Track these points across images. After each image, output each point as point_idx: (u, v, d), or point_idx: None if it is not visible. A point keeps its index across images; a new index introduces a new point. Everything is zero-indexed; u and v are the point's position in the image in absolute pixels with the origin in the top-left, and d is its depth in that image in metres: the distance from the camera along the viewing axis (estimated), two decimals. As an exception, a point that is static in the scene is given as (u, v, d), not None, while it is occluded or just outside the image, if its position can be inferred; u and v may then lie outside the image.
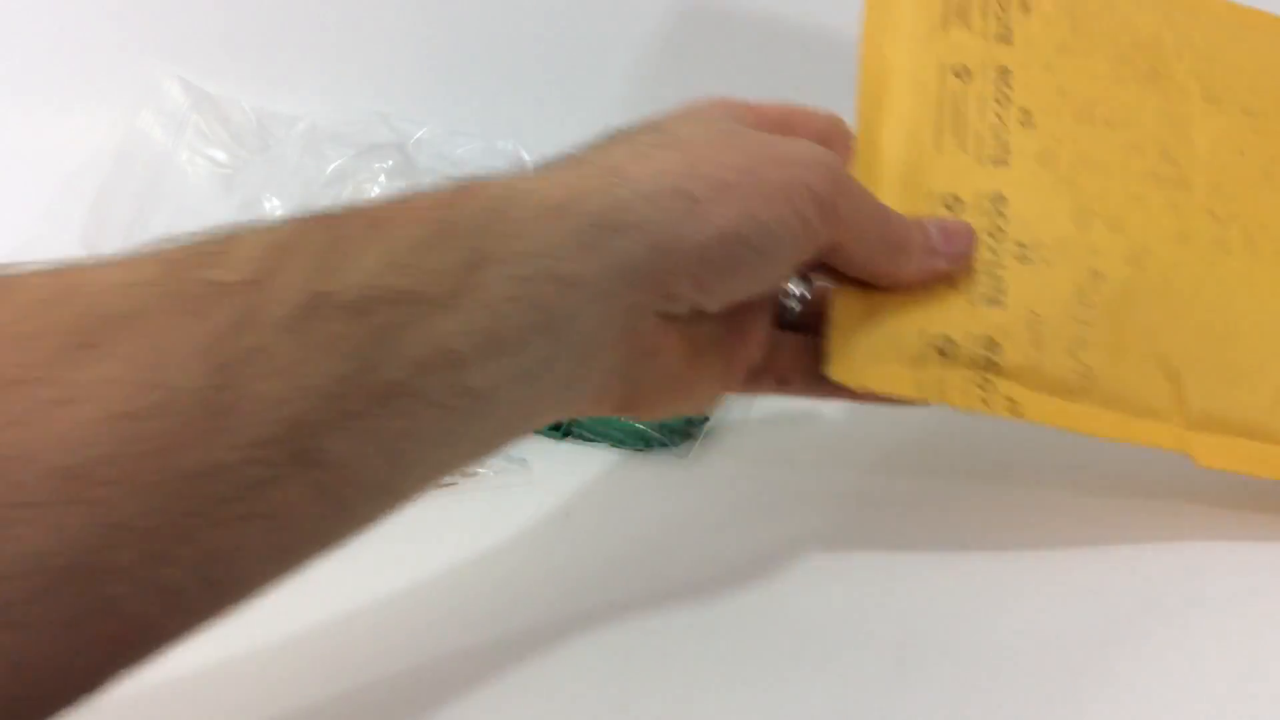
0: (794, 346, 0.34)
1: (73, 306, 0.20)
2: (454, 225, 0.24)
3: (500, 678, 0.30)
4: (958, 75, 0.36)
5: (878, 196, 0.32)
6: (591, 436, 0.43)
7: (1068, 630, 0.30)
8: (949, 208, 0.34)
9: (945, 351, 0.32)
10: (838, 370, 0.32)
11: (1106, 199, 0.35)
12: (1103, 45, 0.38)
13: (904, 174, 0.34)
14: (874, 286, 0.32)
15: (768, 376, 0.34)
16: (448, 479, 0.39)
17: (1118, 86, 0.37)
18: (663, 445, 0.42)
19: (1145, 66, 0.38)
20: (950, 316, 0.32)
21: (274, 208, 0.50)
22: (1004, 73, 0.36)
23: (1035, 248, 0.34)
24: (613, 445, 0.42)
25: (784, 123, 0.33)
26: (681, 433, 0.42)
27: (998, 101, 0.36)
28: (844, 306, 0.32)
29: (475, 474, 0.40)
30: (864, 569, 0.35)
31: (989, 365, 0.32)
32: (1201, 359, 0.34)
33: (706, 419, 0.43)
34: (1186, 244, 0.35)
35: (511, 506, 0.39)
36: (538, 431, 0.44)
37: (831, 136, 0.34)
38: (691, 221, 0.26)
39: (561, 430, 0.43)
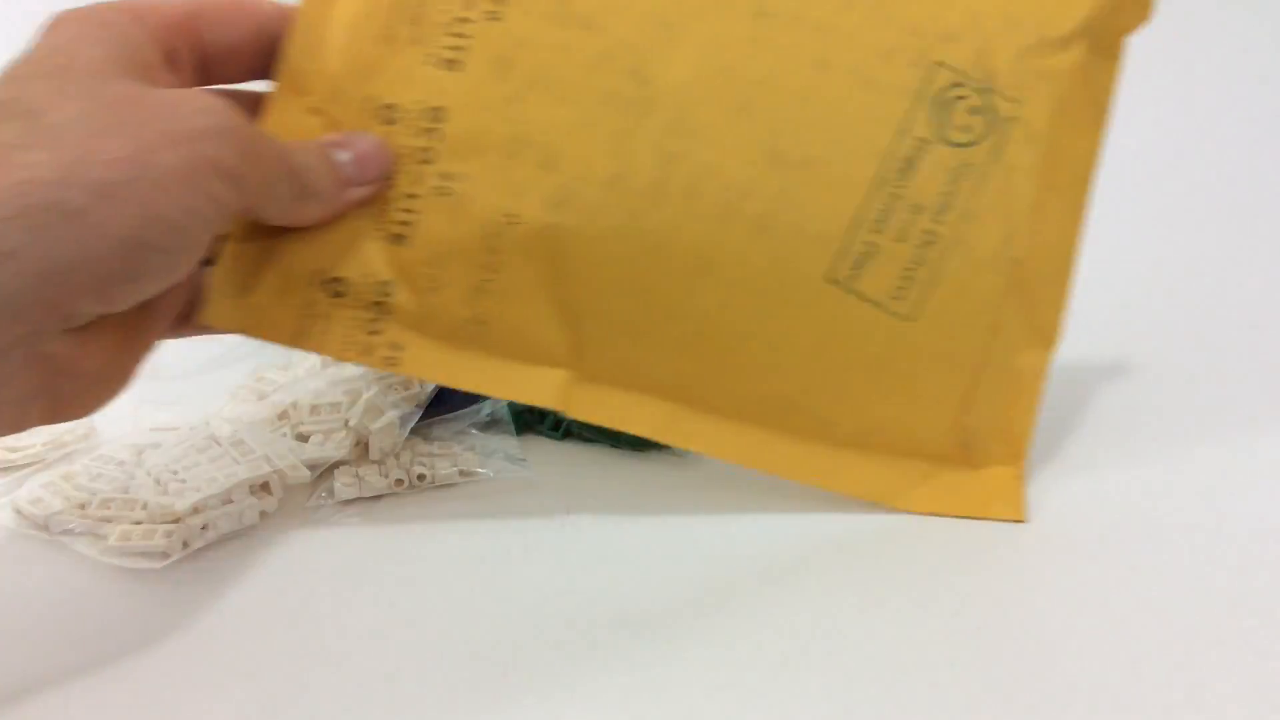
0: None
1: None
2: None
3: (500, 678, 0.30)
4: None
5: (307, 103, 0.29)
6: (591, 436, 0.43)
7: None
8: (387, 122, 0.30)
9: (339, 293, 0.30)
10: (213, 313, 0.29)
11: (549, 127, 0.31)
12: None
13: (341, 75, 0.30)
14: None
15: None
16: (446, 480, 0.39)
17: None
18: (663, 445, 0.42)
19: None
20: (348, 255, 0.30)
21: None
22: None
23: (458, 179, 0.30)
24: (612, 445, 0.42)
25: (193, 26, 0.29)
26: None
27: None
28: (236, 247, 0.30)
29: (475, 474, 0.40)
30: (864, 568, 0.35)
31: (381, 309, 0.30)
32: (608, 310, 0.32)
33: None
34: (616, 189, 0.31)
35: (511, 506, 0.39)
36: (537, 431, 0.44)
37: (266, 28, 0.30)
38: (77, 238, 0.23)
39: (561, 430, 0.43)
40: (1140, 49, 0.36)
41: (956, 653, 0.30)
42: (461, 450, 0.41)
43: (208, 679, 0.30)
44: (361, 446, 0.40)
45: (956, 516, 0.35)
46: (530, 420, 0.44)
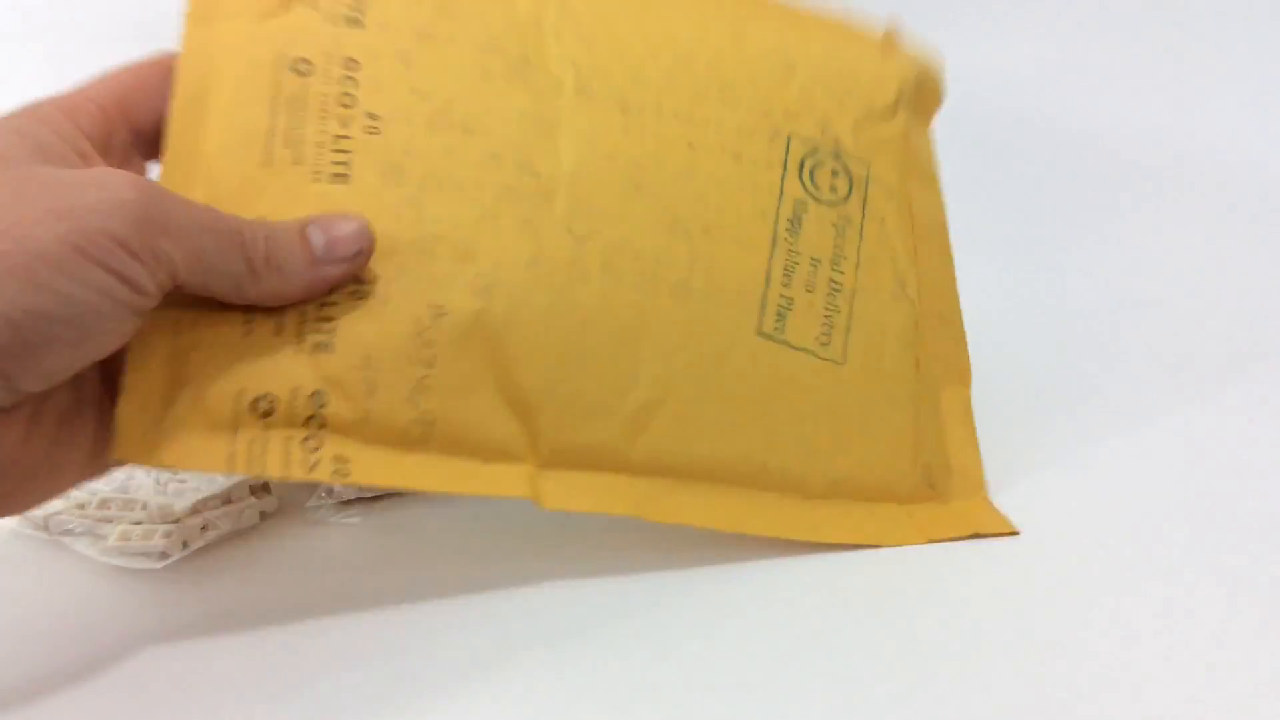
0: None
1: None
2: None
3: (499, 678, 0.29)
4: (297, 70, 0.31)
5: None
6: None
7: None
8: None
9: (268, 412, 0.28)
10: (124, 448, 0.27)
11: (457, 223, 0.31)
12: (471, 29, 0.33)
13: (227, 197, 0.29)
14: (188, 338, 0.28)
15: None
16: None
17: (482, 83, 0.33)
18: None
19: (516, 53, 0.33)
20: (271, 371, 0.28)
21: None
22: (351, 65, 0.31)
23: (373, 281, 0.30)
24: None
25: (126, 108, 0.29)
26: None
27: (343, 105, 0.31)
28: (142, 373, 0.28)
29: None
30: (864, 568, 0.35)
31: (316, 423, 0.29)
32: (556, 392, 0.32)
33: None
34: (538, 269, 0.32)
35: (511, 506, 0.38)
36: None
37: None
38: None
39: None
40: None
41: (960, 657, 0.30)
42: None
43: (208, 679, 0.30)
44: (361, 446, 0.40)
45: (952, 539, 0.36)
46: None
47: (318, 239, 0.29)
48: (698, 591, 0.33)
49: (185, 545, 0.35)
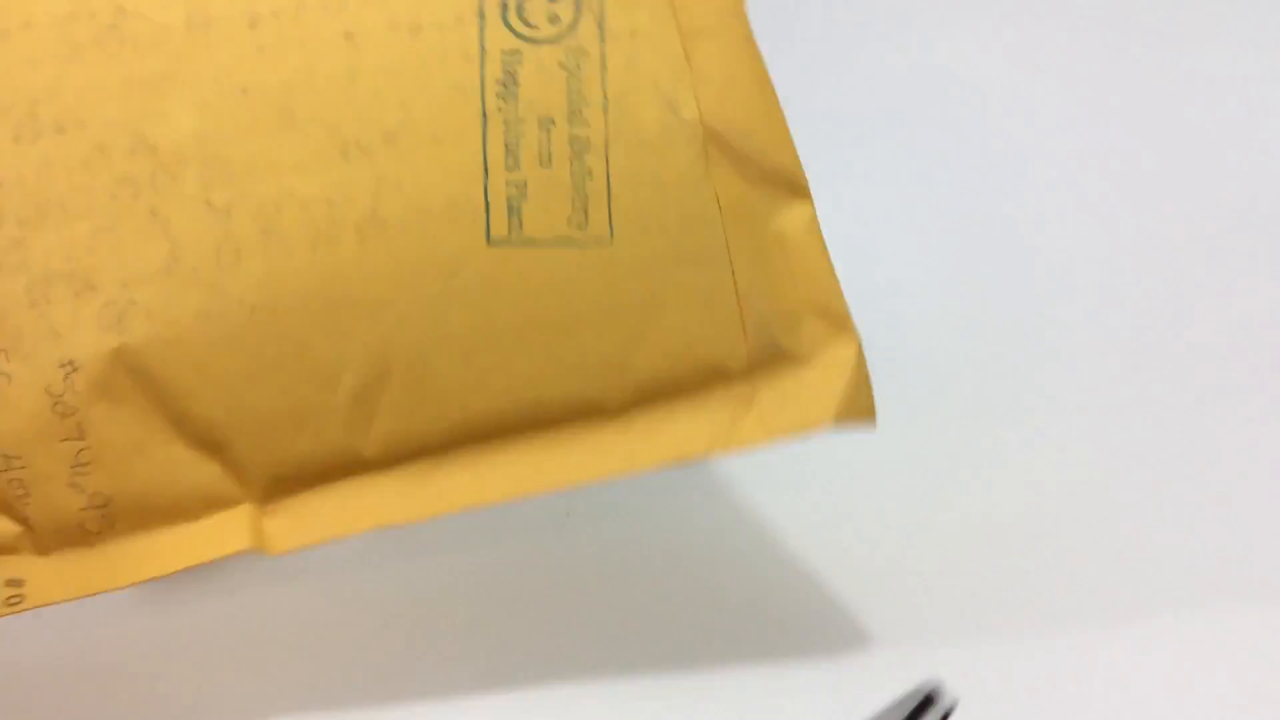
0: None
1: None
2: None
3: (498, 678, 0.29)
4: None
5: None
6: (591, 435, 0.42)
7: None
8: None
9: None
10: None
11: (69, 253, 0.26)
12: (46, 1, 0.27)
13: None
14: None
15: None
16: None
17: (70, 63, 0.27)
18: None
19: (108, 8, 0.27)
20: None
21: None
22: None
23: None
24: (613, 444, 0.42)
25: None
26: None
27: None
28: None
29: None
30: (864, 567, 0.35)
31: None
32: (244, 410, 0.26)
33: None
34: (178, 270, 0.26)
35: (511, 506, 0.38)
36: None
37: None
38: None
39: (561, 429, 0.43)
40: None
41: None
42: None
43: (208, 679, 0.29)
44: (360, 446, 0.40)
45: (802, 432, 0.29)
46: (529, 419, 0.43)
47: None
48: (694, 581, 0.33)
49: (183, 546, 0.35)
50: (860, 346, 0.29)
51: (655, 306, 0.28)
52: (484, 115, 0.28)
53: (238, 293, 0.26)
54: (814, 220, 0.30)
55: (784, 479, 0.41)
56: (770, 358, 0.29)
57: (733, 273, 0.29)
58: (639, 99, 0.29)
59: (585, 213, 0.28)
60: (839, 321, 0.29)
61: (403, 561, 0.35)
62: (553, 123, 0.28)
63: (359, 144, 0.27)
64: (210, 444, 0.26)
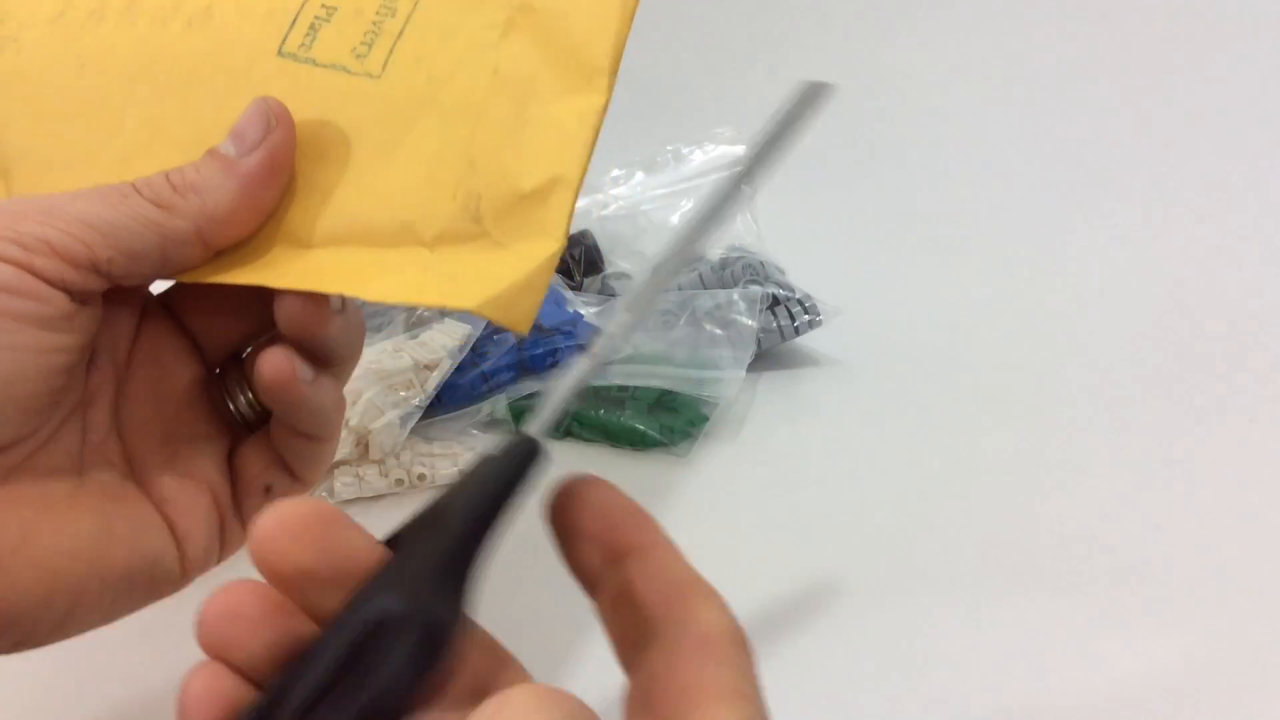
0: (264, 445, 0.28)
1: None
2: None
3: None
4: None
5: None
6: (591, 436, 0.43)
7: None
8: None
9: None
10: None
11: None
12: None
13: None
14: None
15: (251, 494, 0.28)
16: (447, 480, 0.39)
17: None
18: (663, 445, 0.42)
19: None
20: None
21: None
22: None
23: None
24: (613, 445, 0.42)
25: None
26: (681, 432, 0.42)
27: None
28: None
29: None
30: (864, 565, 0.35)
31: None
32: (34, 149, 0.29)
33: (706, 419, 0.43)
34: (60, 21, 0.30)
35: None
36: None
37: None
38: None
39: (561, 430, 0.43)
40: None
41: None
42: (462, 450, 0.41)
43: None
44: (362, 446, 0.40)
45: (453, 308, 0.27)
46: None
47: (225, 145, 0.27)
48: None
49: (186, 545, 0.35)
50: (553, 258, 0.27)
51: (388, 149, 0.29)
52: None
53: (79, 48, 0.30)
54: (591, 115, 0.29)
55: (784, 479, 0.41)
56: (464, 233, 0.29)
57: (472, 138, 0.29)
58: None
59: (369, 46, 0.30)
60: (550, 224, 0.28)
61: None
62: None
63: None
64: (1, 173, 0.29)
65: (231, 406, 0.28)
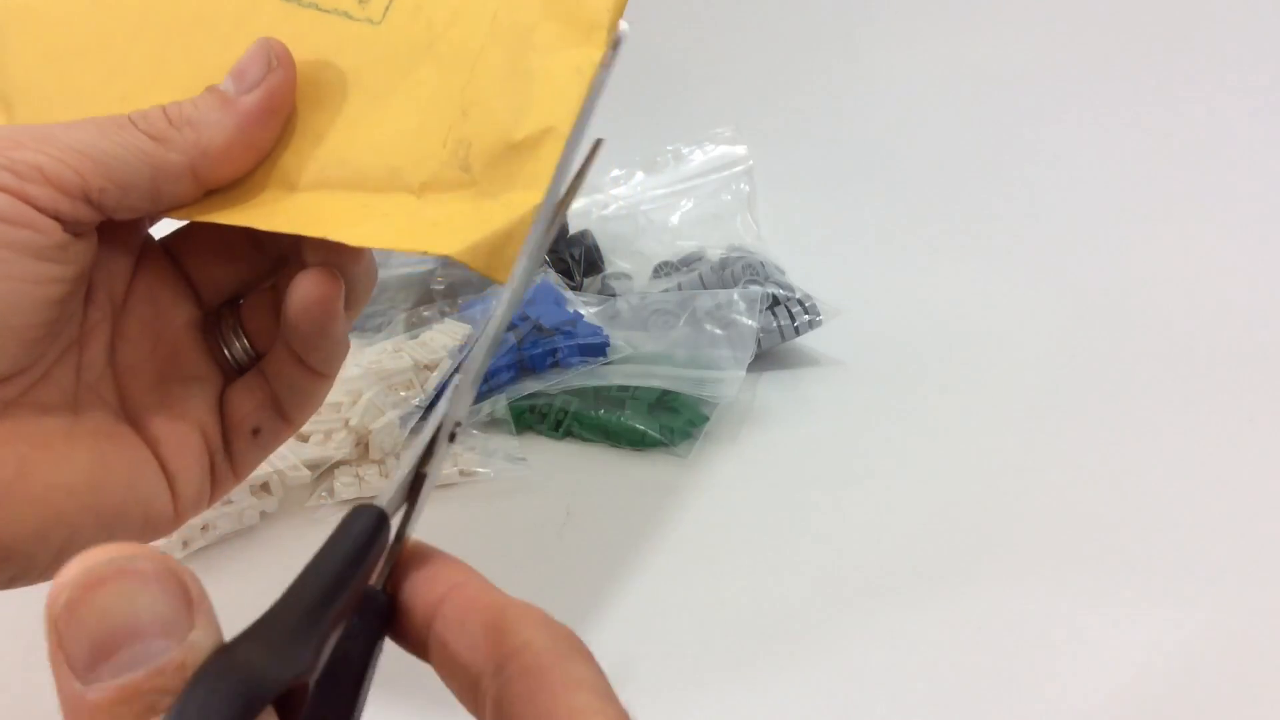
0: (255, 387, 0.27)
1: None
2: None
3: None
4: None
5: None
6: (591, 436, 0.43)
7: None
8: None
9: None
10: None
11: None
12: None
13: None
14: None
15: (239, 435, 0.27)
16: (447, 480, 0.40)
17: None
18: (663, 445, 0.42)
19: None
20: None
21: None
22: None
23: None
24: (612, 444, 0.42)
25: None
26: (681, 432, 0.42)
27: None
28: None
29: (475, 474, 0.40)
30: (863, 565, 0.35)
31: None
32: (38, 84, 0.30)
33: (706, 419, 0.43)
34: None
35: (511, 505, 0.39)
36: (537, 431, 0.44)
37: None
38: None
39: (561, 430, 0.43)
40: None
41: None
42: (462, 450, 0.41)
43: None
44: (362, 446, 0.40)
45: (433, 252, 0.27)
46: (530, 420, 0.44)
47: (225, 82, 0.27)
48: (693, 580, 0.33)
49: (185, 545, 0.35)
50: (536, 209, 0.27)
51: (383, 95, 0.30)
52: None
53: None
54: (588, 68, 0.29)
55: (784, 479, 0.41)
56: (452, 180, 0.29)
57: (466, 86, 0.29)
58: None
59: None
60: (538, 175, 0.28)
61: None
62: None
63: None
64: (3, 104, 0.29)
65: (225, 350, 0.28)
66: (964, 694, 0.30)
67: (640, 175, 0.61)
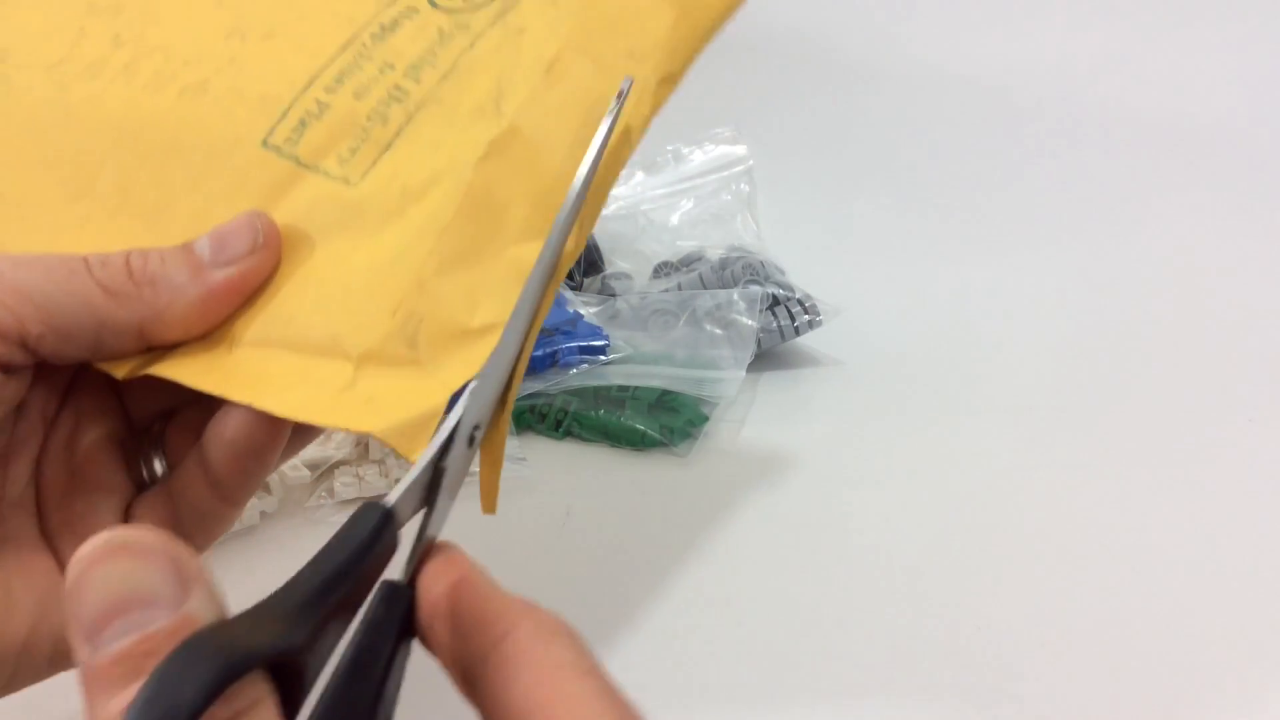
0: (157, 505, 0.26)
1: None
2: None
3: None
4: None
5: None
6: (591, 436, 0.43)
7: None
8: None
9: None
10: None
11: (23, 32, 0.31)
12: None
13: None
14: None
15: None
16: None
17: None
18: (662, 445, 0.42)
19: None
20: None
21: None
22: None
23: None
24: (612, 444, 0.42)
25: None
26: (681, 432, 0.42)
27: None
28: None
29: (475, 474, 0.40)
30: (863, 564, 0.35)
31: None
32: (6, 192, 0.30)
33: (706, 419, 0.43)
34: (60, 69, 0.31)
35: (511, 505, 0.39)
36: (537, 431, 0.44)
37: None
38: None
39: (561, 430, 0.43)
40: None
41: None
42: (461, 450, 0.41)
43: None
44: (362, 446, 0.40)
45: (355, 432, 0.27)
46: (530, 420, 0.44)
47: (202, 244, 0.25)
48: (692, 580, 0.33)
49: (186, 545, 0.35)
50: (446, 395, 0.27)
51: (342, 256, 0.28)
52: (348, 44, 0.30)
53: (70, 100, 0.30)
54: (529, 263, 0.27)
55: (785, 479, 0.41)
56: (394, 356, 0.27)
57: (427, 259, 0.28)
58: (477, 79, 0.29)
59: (354, 151, 0.29)
60: (475, 360, 0.27)
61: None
62: (392, 68, 0.30)
63: (244, 32, 0.31)
64: None
65: (143, 467, 0.26)
66: (965, 694, 0.30)
67: (640, 175, 0.61)
